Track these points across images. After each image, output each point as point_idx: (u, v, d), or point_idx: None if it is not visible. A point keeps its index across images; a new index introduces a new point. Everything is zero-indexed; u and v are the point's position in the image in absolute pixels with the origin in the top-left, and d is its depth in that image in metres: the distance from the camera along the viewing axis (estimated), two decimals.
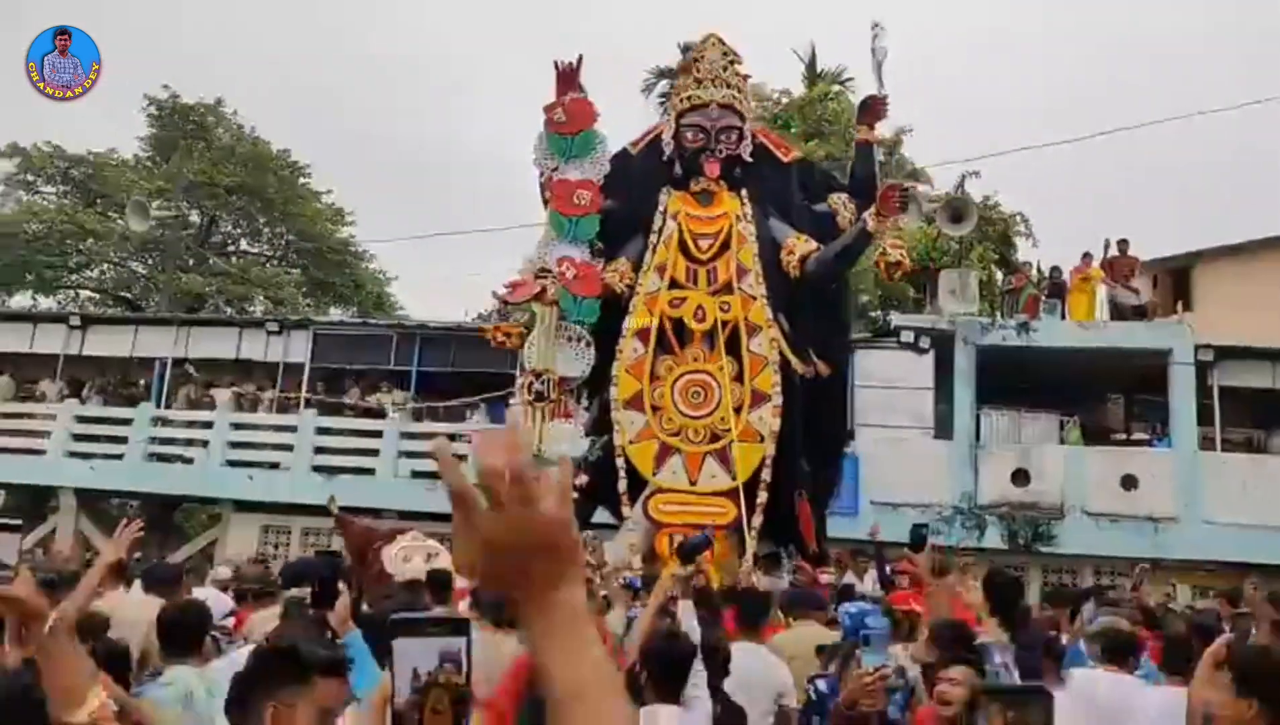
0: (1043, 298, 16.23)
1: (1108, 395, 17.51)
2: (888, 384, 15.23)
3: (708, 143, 9.27)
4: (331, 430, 15.93)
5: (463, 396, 15.75)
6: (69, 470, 16.56)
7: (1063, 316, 15.46)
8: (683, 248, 9.12)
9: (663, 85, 29.67)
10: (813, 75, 26.96)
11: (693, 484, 8.71)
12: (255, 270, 25.71)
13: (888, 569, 8.74)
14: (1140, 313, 15.89)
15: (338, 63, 59.00)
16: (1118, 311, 15.89)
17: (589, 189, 8.97)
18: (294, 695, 1.98)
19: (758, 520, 8.65)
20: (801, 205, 9.46)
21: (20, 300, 25.42)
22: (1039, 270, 19.40)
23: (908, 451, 14.35)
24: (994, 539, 13.92)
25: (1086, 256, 16.05)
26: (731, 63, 9.47)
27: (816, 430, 9.31)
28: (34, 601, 2.07)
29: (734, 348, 8.96)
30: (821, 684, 4.51)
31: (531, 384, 8.80)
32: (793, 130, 26.64)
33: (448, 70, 65.23)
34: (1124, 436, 16.40)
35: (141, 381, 17.72)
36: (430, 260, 60.52)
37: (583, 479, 9.03)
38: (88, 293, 26.14)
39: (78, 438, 16.76)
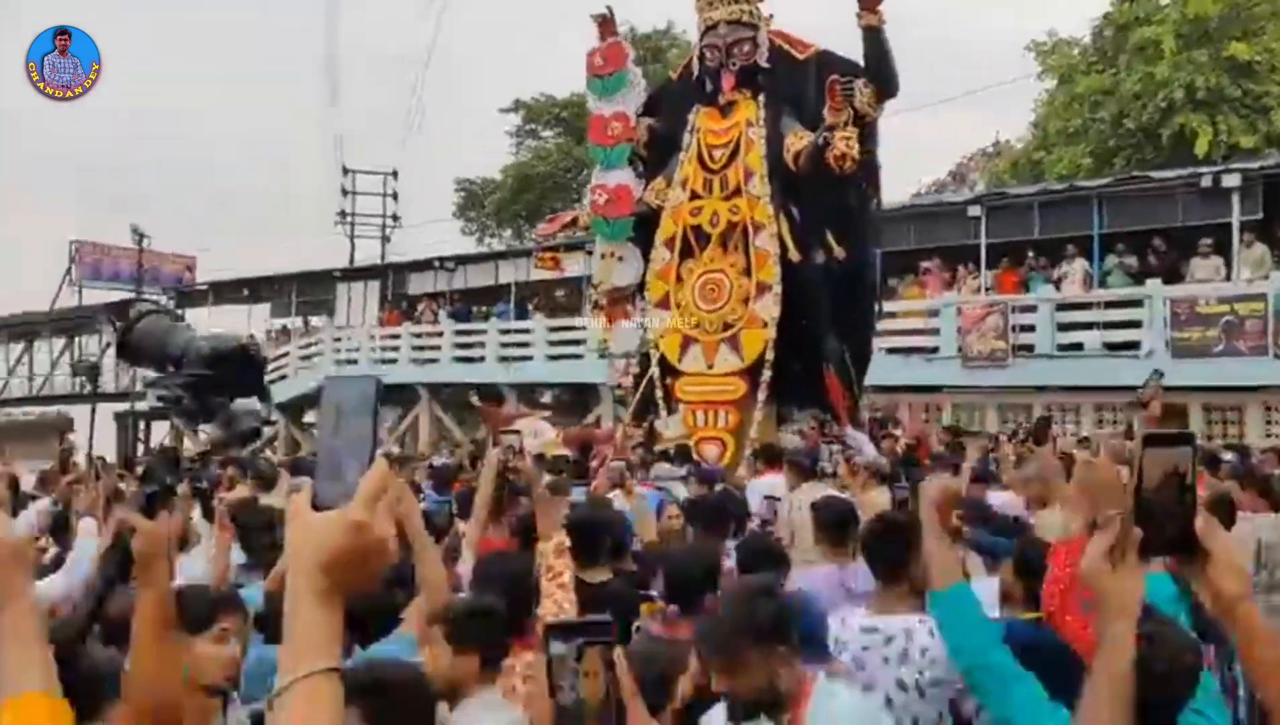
0: None
1: None
2: None
3: (723, 59, 11.16)
4: None
5: None
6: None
7: None
8: (700, 160, 11.17)
9: None
10: None
11: (710, 367, 10.92)
12: None
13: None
14: None
15: None
16: None
17: (621, 121, 11.52)
18: None
19: (763, 394, 10.69)
20: (820, 97, 10.80)
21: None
22: None
23: None
24: None
25: None
26: None
27: (844, 308, 10.85)
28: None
29: (745, 245, 10.92)
30: None
31: (595, 297, 11.88)
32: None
33: None
34: None
35: None
36: None
37: (635, 370, 11.88)
38: None
39: None
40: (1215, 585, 1.54)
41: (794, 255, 10.58)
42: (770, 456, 8.13)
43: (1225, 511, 5.15)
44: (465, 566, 4.69)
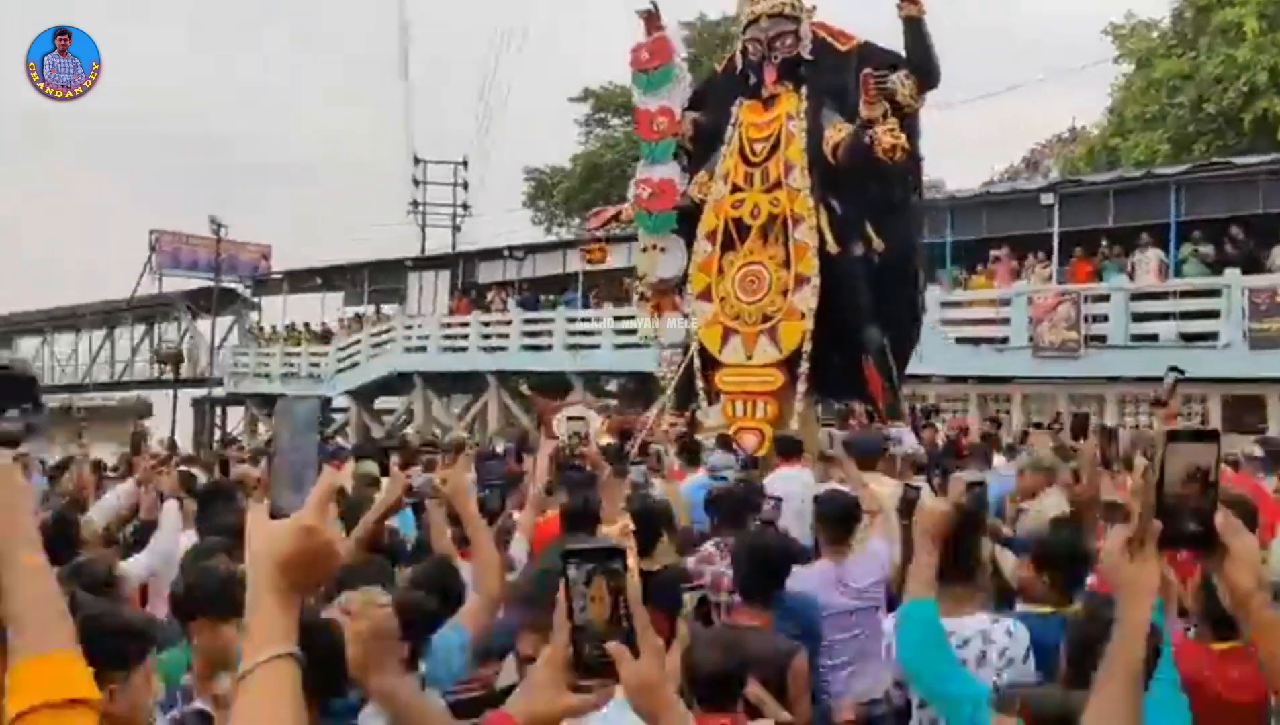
0: None
1: None
2: None
3: (765, 52, 11.30)
4: None
5: None
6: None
7: None
8: (742, 153, 11.29)
9: None
10: None
11: (749, 358, 11.07)
12: None
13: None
14: None
15: None
16: None
17: (666, 115, 11.72)
18: None
19: (802, 386, 10.85)
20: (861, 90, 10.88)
21: None
22: None
23: None
24: None
25: None
26: None
27: (885, 300, 10.95)
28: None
29: (785, 238, 11.07)
30: None
31: (640, 289, 12.16)
32: None
33: None
34: None
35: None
36: None
37: (675, 363, 12.12)
38: None
39: None
40: (1231, 580, 1.62)
41: (832, 247, 10.70)
42: (785, 448, 8.21)
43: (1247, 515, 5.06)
44: (518, 548, 4.96)
